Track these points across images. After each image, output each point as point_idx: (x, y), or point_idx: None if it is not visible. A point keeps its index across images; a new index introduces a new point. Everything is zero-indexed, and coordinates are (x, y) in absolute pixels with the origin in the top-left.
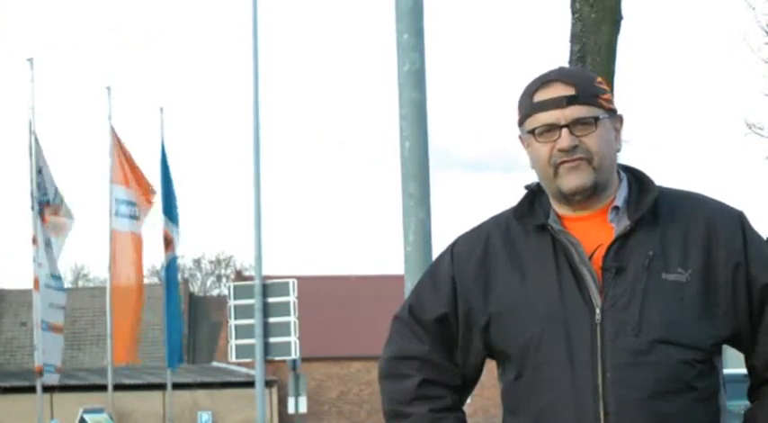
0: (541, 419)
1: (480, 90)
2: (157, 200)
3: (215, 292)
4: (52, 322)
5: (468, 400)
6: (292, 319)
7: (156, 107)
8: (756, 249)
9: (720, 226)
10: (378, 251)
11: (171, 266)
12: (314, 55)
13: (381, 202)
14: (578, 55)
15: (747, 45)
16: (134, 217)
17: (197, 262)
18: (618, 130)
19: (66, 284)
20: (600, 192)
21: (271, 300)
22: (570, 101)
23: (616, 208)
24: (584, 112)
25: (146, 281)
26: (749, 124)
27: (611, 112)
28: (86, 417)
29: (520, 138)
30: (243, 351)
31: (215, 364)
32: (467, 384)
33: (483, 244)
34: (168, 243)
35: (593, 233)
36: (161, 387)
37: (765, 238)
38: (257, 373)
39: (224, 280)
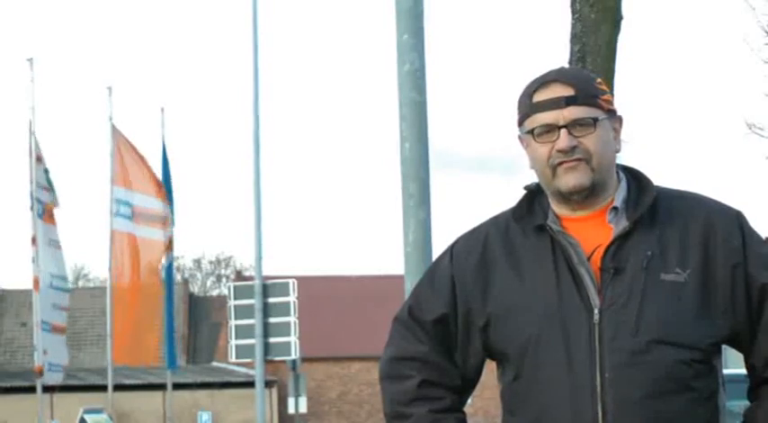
0: (540, 419)
1: (481, 90)
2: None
3: (215, 293)
4: (55, 323)
5: (469, 401)
6: (292, 319)
7: (157, 107)
8: (755, 249)
9: (719, 225)
10: (378, 251)
11: (168, 267)
12: (314, 55)
13: (381, 202)
14: (578, 55)
15: (747, 45)
16: (129, 217)
17: (197, 262)
18: (617, 131)
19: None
20: (598, 192)
21: (271, 300)
22: (569, 102)
23: (615, 208)
24: (583, 113)
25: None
26: (749, 124)
27: (611, 112)
28: (87, 417)
29: (519, 137)
30: (243, 351)
31: (215, 364)
32: (467, 385)
33: (482, 244)
34: (168, 244)
35: (592, 234)
36: (161, 387)
37: (764, 238)
38: (257, 374)
39: (224, 280)
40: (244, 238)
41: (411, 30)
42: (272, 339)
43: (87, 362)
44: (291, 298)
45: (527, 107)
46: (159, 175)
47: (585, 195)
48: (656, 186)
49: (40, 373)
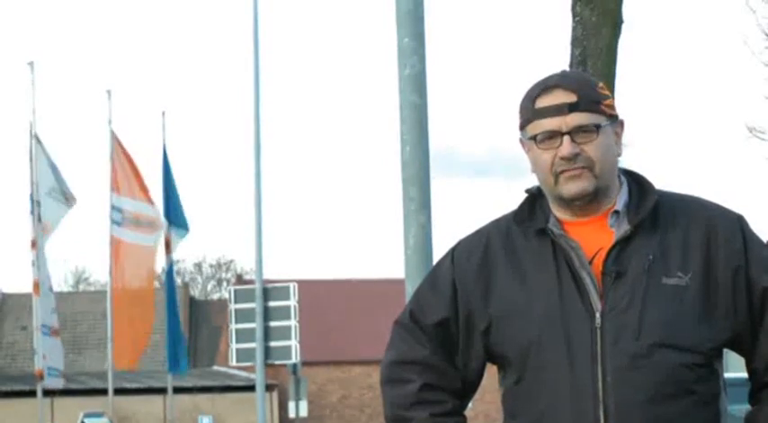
0: (541, 422)
1: (482, 93)
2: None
3: (216, 296)
4: (53, 326)
5: (470, 405)
6: (293, 322)
7: (158, 111)
8: (756, 252)
9: (720, 229)
10: (378, 255)
11: (169, 270)
12: (315, 59)
13: (382, 206)
14: (579, 58)
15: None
16: (122, 223)
17: (198, 266)
18: (619, 135)
19: (67, 288)
20: (601, 197)
21: (271, 304)
22: (572, 108)
23: (616, 212)
24: (586, 120)
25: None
26: (750, 128)
27: (613, 117)
28: (87, 421)
29: (521, 141)
30: (244, 355)
31: (216, 367)
32: (468, 389)
33: (483, 248)
34: (168, 247)
35: (594, 237)
36: (162, 391)
37: (765, 241)
38: (258, 377)
39: (225, 284)
40: (244, 242)
41: (412, 33)
42: (272, 343)
43: (88, 365)
44: (292, 302)
45: (529, 112)
46: (160, 179)
47: (588, 201)
48: (658, 190)
49: (41, 378)
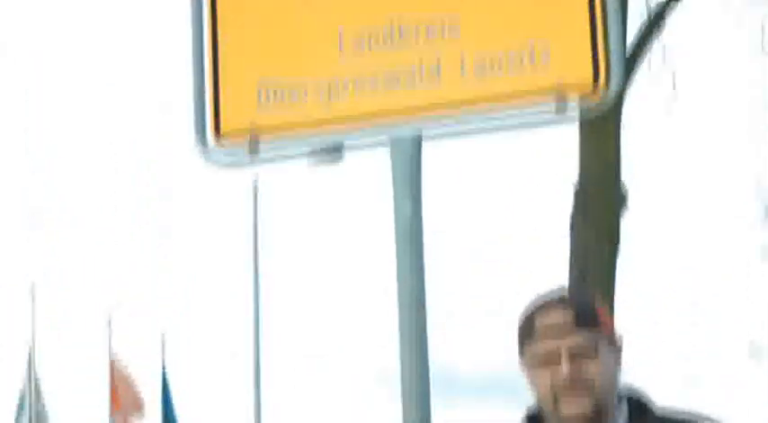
0: None
1: (480, 310)
2: None
3: None
4: None
5: None
6: None
7: (158, 333)
8: None
9: None
10: None
11: None
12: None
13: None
14: (579, 275)
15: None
16: None
17: None
18: (619, 353)
19: None
20: (600, 418)
21: None
22: (570, 328)
23: None
24: (585, 341)
25: None
26: (754, 347)
27: (612, 336)
28: None
29: (519, 360)
30: None
31: None
32: None
33: None
34: None
35: None
36: None
37: None
38: None
39: None
40: None
41: (411, 254)
42: None
43: None
44: None
45: (527, 331)
46: (159, 401)
47: (587, 421)
48: (659, 408)
49: None
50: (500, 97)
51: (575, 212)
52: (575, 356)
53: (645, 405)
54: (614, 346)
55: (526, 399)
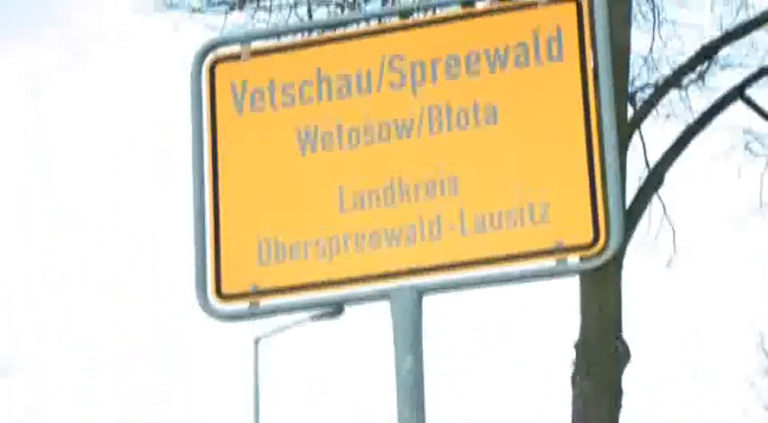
0: None
1: None
2: None
3: None
4: None
5: None
6: None
7: None
8: None
9: None
10: None
11: None
12: None
13: None
14: None
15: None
16: None
17: None
18: None
19: None
20: None
21: None
22: None
23: None
24: None
25: None
26: None
27: None
28: None
29: None
30: None
31: None
32: None
33: None
34: None
35: None
36: None
37: None
38: None
39: None
40: None
41: (412, 407)
42: None
43: None
44: None
45: None
46: None
47: None
48: None
49: None
50: (500, 256)
51: (576, 366)
52: None
53: None
54: None
55: None
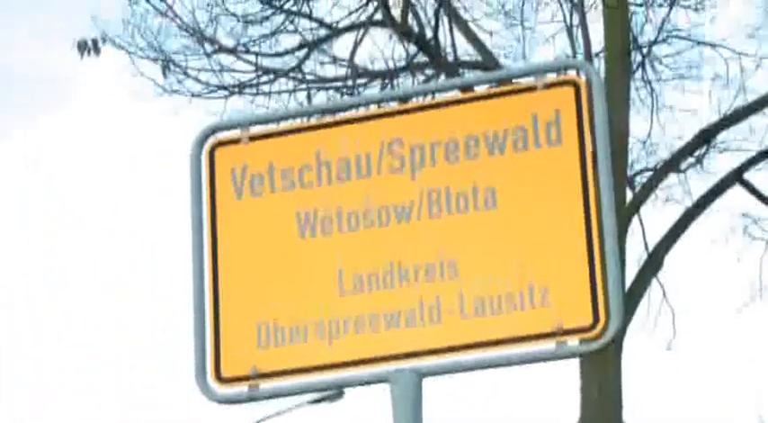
0: None
1: None
2: None
3: None
4: None
5: None
6: None
7: None
8: None
9: None
10: None
11: None
12: None
13: None
14: None
15: None
16: None
17: None
18: None
19: None
20: None
21: None
22: None
23: None
24: None
25: None
26: None
27: None
28: None
29: None
30: None
31: None
32: None
33: None
34: None
35: None
36: None
37: None
38: None
39: None
40: None
41: None
42: None
43: None
44: None
45: None
46: None
47: None
48: None
49: None
50: (500, 339)
51: None
52: None
53: None
54: None
55: None
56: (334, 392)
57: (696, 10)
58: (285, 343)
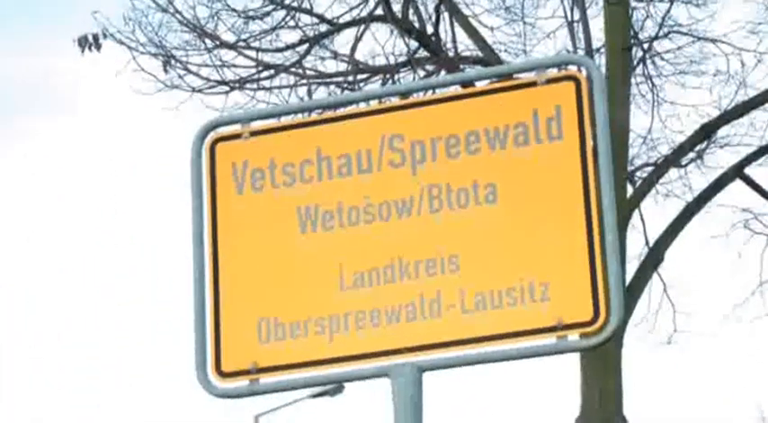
0: None
1: None
2: None
3: None
4: None
5: None
6: None
7: None
8: None
9: None
10: None
11: None
12: None
13: None
14: None
15: None
16: None
17: None
18: None
19: None
20: None
21: None
22: None
23: None
24: None
25: None
26: None
27: None
28: None
29: None
30: None
31: None
32: None
33: None
34: None
35: None
36: None
37: None
38: None
39: None
40: None
41: None
42: None
43: None
44: None
45: None
46: None
47: None
48: None
49: None
50: (501, 334)
51: None
52: None
53: None
54: None
55: None
56: (335, 387)
57: (697, 5)
58: (286, 337)
